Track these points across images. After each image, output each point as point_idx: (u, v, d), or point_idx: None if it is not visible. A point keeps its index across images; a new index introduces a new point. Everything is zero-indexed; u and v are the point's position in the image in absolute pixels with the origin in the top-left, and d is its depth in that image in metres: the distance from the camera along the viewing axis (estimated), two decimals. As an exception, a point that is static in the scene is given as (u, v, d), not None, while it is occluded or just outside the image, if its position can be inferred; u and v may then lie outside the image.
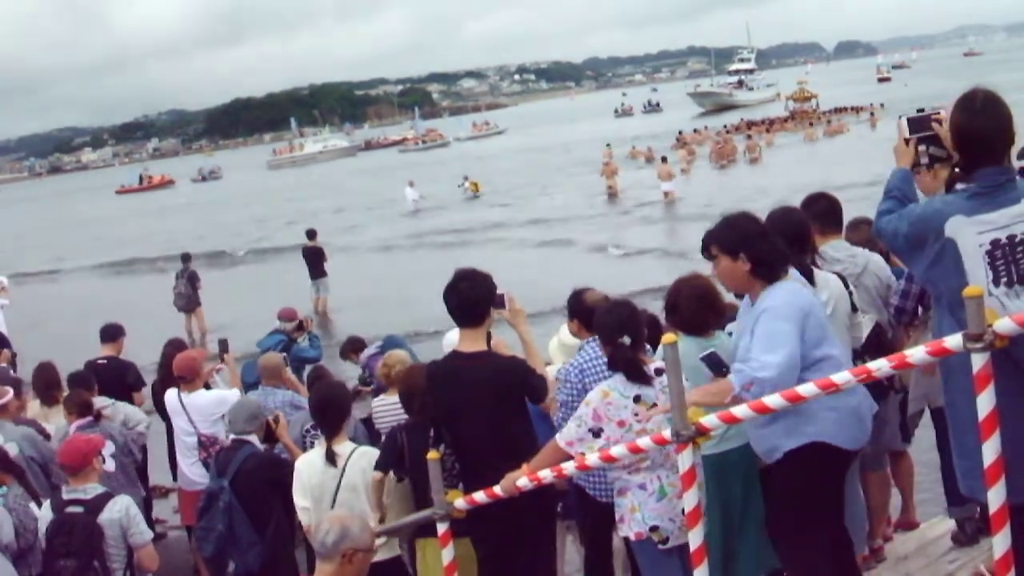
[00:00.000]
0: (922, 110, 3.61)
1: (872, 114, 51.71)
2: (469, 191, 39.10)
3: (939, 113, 3.48)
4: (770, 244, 3.82)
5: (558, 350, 5.66)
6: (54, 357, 7.91)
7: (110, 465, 6.28)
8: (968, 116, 3.23)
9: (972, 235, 3.17)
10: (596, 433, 4.00)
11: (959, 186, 3.26)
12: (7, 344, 11.70)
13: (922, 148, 3.51)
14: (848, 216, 5.33)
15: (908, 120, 3.56)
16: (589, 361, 4.72)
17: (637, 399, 4.00)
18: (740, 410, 3.42)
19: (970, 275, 3.17)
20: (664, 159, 33.66)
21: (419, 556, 4.91)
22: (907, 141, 3.52)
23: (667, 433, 3.61)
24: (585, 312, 4.98)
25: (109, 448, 6.29)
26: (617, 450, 3.87)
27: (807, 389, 3.31)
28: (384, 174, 53.39)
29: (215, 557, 5.43)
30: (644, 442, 3.79)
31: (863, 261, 4.74)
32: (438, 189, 40.77)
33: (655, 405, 3.98)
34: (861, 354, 4.41)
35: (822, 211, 4.84)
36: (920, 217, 3.29)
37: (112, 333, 8.66)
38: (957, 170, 3.27)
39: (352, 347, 8.74)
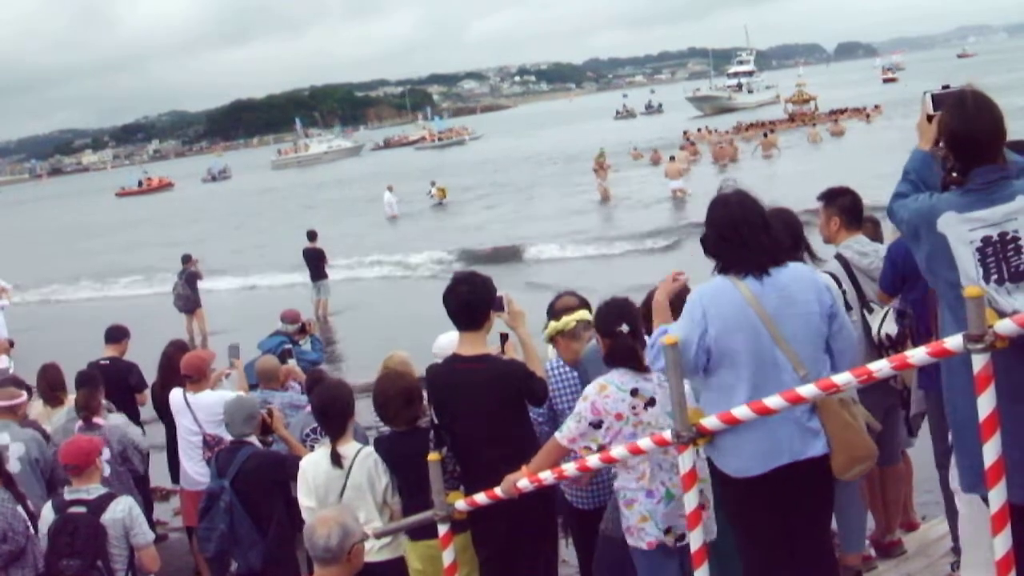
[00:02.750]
0: (947, 86, 3.54)
1: (868, 115, 51.81)
2: (435, 197, 38.77)
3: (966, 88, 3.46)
4: (728, 244, 3.59)
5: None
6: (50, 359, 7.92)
7: (105, 470, 6.27)
8: (961, 118, 3.23)
9: (963, 232, 3.18)
10: (597, 425, 4.00)
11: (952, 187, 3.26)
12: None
13: None
14: None
15: (932, 96, 3.48)
16: (555, 369, 4.83)
17: (634, 392, 4.00)
18: (740, 411, 3.42)
19: (962, 272, 3.19)
20: (672, 157, 33.76)
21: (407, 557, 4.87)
22: (930, 118, 3.45)
23: (667, 434, 3.62)
24: (560, 314, 4.98)
25: (105, 454, 6.29)
26: (618, 451, 3.88)
27: (808, 391, 3.32)
28: (384, 176, 53.11)
29: (217, 557, 5.44)
30: (644, 443, 3.79)
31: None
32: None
33: (652, 400, 3.99)
34: (893, 345, 4.44)
35: (848, 206, 4.86)
36: (916, 211, 3.31)
37: (116, 334, 8.68)
38: (954, 174, 3.26)
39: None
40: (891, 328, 4.58)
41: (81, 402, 6.60)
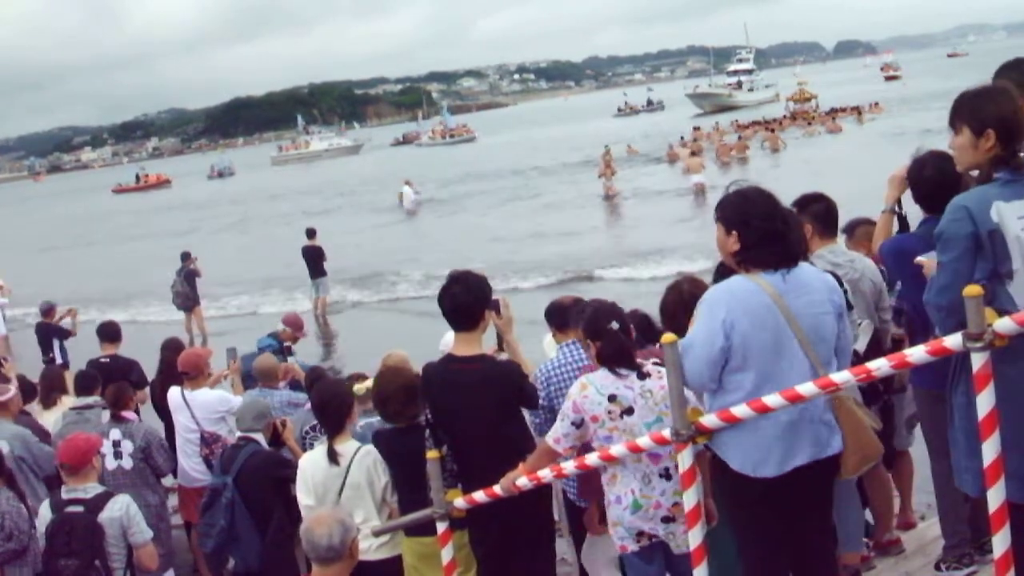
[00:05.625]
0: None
1: (860, 113, 51.81)
2: (397, 199, 38.46)
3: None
4: (769, 237, 3.50)
5: (550, 347, 5.64)
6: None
7: (127, 463, 6.28)
8: (1008, 106, 3.23)
9: (1013, 219, 3.16)
10: (578, 425, 3.97)
11: (996, 175, 3.23)
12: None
13: None
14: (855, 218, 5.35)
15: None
16: (556, 368, 4.77)
17: (612, 398, 3.93)
18: (740, 410, 3.41)
19: (1015, 258, 3.15)
20: (694, 153, 33.76)
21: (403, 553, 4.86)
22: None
23: (667, 432, 3.61)
24: (555, 313, 4.99)
25: (127, 447, 6.29)
26: (617, 450, 3.87)
27: (807, 389, 3.31)
28: (387, 174, 52.65)
29: (215, 553, 5.44)
30: (644, 441, 3.78)
31: (861, 267, 4.70)
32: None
33: (630, 409, 3.93)
34: (862, 360, 4.41)
35: (821, 213, 4.77)
36: (966, 209, 3.20)
37: (112, 332, 8.69)
38: (1018, 156, 3.23)
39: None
40: (860, 344, 4.54)
41: (111, 397, 6.59)
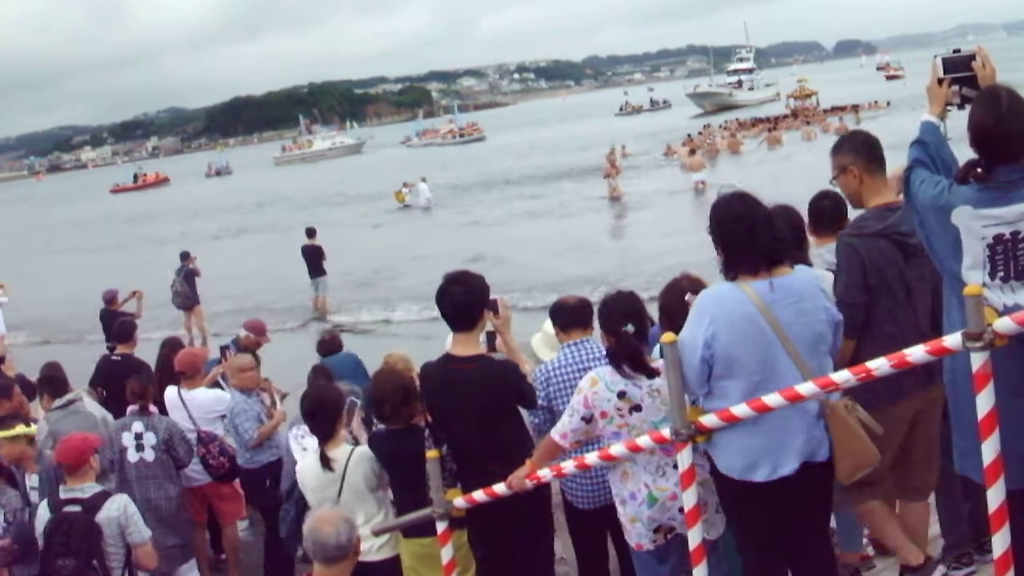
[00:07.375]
0: (958, 50, 3.53)
1: (858, 111, 51.85)
2: (397, 200, 38.19)
3: (976, 51, 3.45)
4: (744, 245, 3.50)
5: (542, 343, 5.61)
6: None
7: (149, 456, 6.27)
8: (993, 116, 3.18)
9: (976, 227, 3.17)
10: (588, 420, 3.97)
11: (970, 180, 3.23)
12: None
13: (954, 88, 3.45)
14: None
15: (943, 60, 3.49)
16: (556, 369, 4.72)
17: (622, 395, 3.94)
18: (739, 409, 3.41)
19: (966, 266, 3.19)
20: (693, 152, 34.27)
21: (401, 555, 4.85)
22: (940, 81, 3.47)
23: (667, 432, 3.61)
24: (559, 312, 4.97)
25: (150, 439, 6.28)
26: (616, 449, 3.87)
27: (807, 388, 3.31)
28: (391, 173, 52.17)
29: (288, 539, 5.51)
30: (644, 440, 3.78)
31: None
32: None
33: (638, 406, 3.93)
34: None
35: (823, 211, 4.76)
36: (933, 199, 3.27)
37: (127, 332, 8.71)
38: (979, 170, 3.21)
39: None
40: None
41: (137, 391, 6.54)
